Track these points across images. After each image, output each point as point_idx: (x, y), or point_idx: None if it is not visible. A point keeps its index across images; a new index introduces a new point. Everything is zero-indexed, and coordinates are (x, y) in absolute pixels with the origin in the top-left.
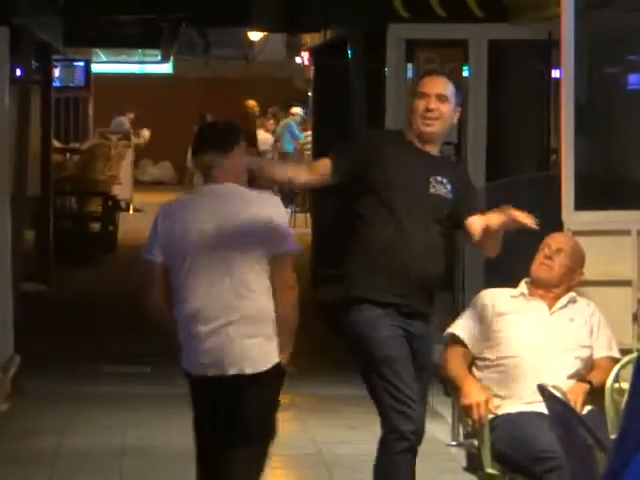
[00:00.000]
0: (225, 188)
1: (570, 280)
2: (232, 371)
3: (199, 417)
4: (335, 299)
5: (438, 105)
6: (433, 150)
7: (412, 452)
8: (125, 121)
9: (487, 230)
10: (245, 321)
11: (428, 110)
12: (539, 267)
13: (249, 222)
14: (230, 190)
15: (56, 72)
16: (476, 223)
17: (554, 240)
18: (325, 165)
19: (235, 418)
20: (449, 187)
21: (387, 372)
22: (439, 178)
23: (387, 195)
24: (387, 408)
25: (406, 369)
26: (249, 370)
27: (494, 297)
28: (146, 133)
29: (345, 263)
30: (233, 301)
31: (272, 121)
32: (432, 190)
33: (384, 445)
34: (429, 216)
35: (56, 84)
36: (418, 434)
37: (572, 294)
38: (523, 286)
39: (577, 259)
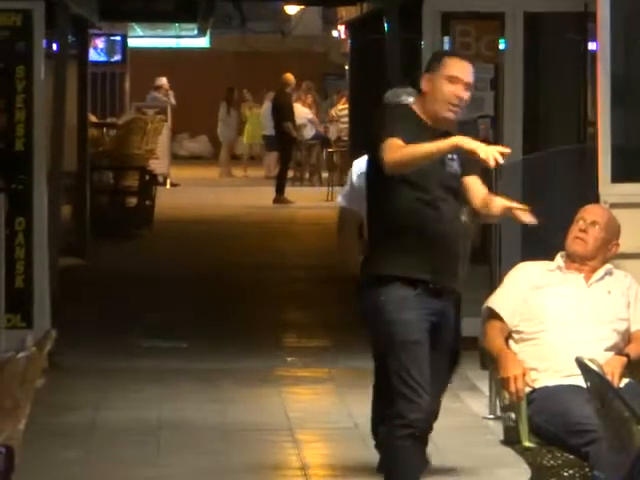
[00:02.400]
0: None
1: (606, 252)
2: None
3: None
4: (362, 275)
5: (466, 94)
6: (441, 127)
7: (415, 439)
8: (159, 94)
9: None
10: None
11: (458, 98)
12: (574, 241)
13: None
14: None
15: (99, 43)
16: (497, 201)
17: (588, 212)
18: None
19: None
20: (457, 161)
21: (403, 357)
22: (449, 155)
23: (413, 174)
24: (396, 393)
25: (423, 355)
26: None
27: (530, 270)
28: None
29: (372, 241)
30: None
31: (310, 95)
32: (448, 169)
33: (388, 427)
34: (450, 193)
35: (92, 58)
36: (425, 422)
37: (609, 266)
38: (559, 259)
39: (612, 230)
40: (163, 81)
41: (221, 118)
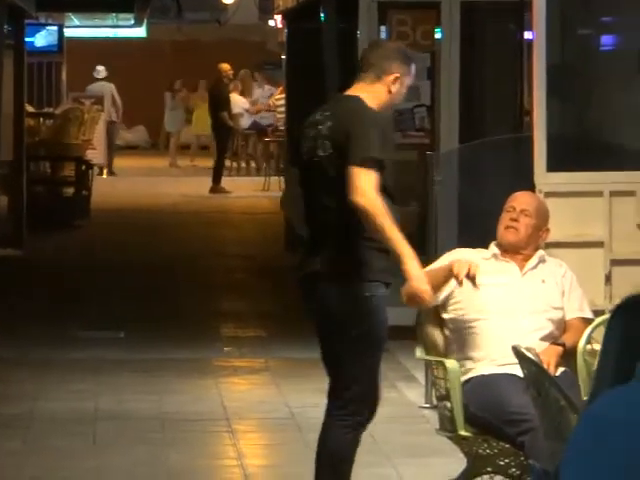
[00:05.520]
0: None
1: (537, 238)
2: None
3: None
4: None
5: None
6: None
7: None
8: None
9: None
10: None
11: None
12: (506, 231)
13: None
14: None
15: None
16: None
17: (517, 201)
18: None
19: None
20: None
21: (379, 356)
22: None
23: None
24: (366, 391)
25: None
26: None
27: (466, 256)
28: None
29: (354, 243)
30: None
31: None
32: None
33: (345, 424)
34: None
35: (29, 48)
36: None
37: (541, 252)
38: (493, 247)
39: (542, 216)
40: (101, 69)
41: (167, 109)
